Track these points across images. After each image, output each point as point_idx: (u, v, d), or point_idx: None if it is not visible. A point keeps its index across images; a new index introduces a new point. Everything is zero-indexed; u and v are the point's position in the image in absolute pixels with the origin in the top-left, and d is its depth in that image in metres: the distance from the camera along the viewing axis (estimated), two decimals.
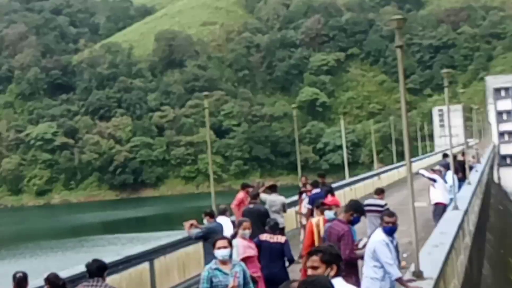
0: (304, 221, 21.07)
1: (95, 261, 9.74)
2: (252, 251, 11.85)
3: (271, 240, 12.63)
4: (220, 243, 9.88)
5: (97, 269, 9.65)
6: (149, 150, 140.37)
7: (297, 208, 21.46)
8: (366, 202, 17.85)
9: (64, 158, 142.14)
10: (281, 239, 12.78)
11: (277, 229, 13.27)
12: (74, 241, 64.48)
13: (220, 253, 9.81)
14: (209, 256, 15.51)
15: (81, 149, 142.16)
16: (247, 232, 12.17)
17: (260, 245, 12.26)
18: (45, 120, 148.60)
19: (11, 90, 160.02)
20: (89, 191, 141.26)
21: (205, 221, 15.96)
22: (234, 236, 12.10)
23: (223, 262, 9.79)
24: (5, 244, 60.42)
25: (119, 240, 59.90)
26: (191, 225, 15.81)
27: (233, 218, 20.23)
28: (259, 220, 15.75)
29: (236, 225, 12.26)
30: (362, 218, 11.52)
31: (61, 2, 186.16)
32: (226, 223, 15.88)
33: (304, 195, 21.44)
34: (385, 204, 17.38)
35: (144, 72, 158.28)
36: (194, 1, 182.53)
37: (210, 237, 15.57)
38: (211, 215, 15.98)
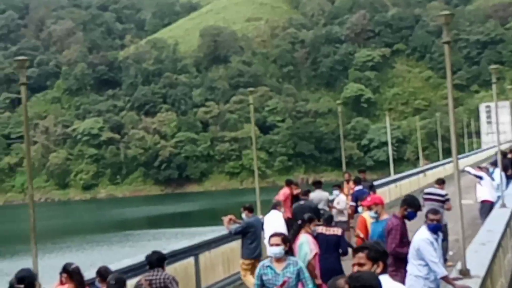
0: (339, 217, 20.93)
1: (155, 252, 10.09)
2: (317, 249, 11.84)
3: (327, 233, 12.73)
4: (273, 240, 9.63)
5: (157, 260, 9.97)
6: (193, 146, 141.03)
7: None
8: (427, 190, 17.78)
9: (110, 153, 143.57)
10: (337, 231, 12.89)
11: (332, 221, 13.32)
12: (119, 235, 65.10)
13: (272, 250, 9.58)
14: (246, 250, 15.66)
15: (127, 144, 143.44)
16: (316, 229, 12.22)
17: (315, 238, 12.30)
18: (91, 115, 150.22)
19: (59, 85, 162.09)
20: (135, 186, 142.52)
21: (243, 215, 16.05)
22: (297, 232, 12.00)
23: (277, 259, 9.54)
24: (51, 238, 61.21)
25: (164, 234, 60.30)
26: (230, 219, 15.92)
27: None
28: None
29: (306, 221, 12.16)
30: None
31: None
32: (278, 218, 15.92)
33: (336, 191, 21.30)
34: (446, 194, 17.23)
35: (189, 68, 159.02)
36: None
37: (248, 232, 15.70)
38: (250, 210, 16.08)
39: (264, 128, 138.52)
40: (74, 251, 54.41)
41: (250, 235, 15.71)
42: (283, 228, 15.18)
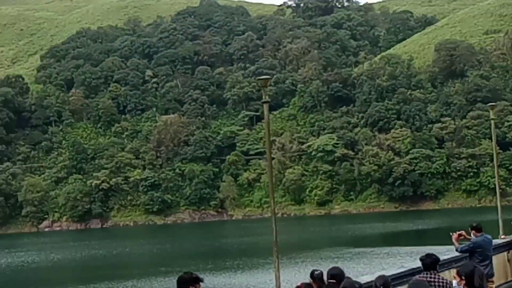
0: None
1: (429, 255, 10.52)
2: None
3: None
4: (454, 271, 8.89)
5: (432, 263, 10.18)
6: (428, 163, 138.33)
7: None
8: None
9: (344, 169, 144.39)
10: None
11: None
12: (354, 251, 65.03)
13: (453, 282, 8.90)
14: None
15: (361, 160, 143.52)
16: None
17: None
18: (325, 132, 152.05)
19: (294, 103, 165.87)
20: (368, 202, 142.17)
21: (471, 235, 15.57)
22: None
23: None
24: (287, 252, 62.34)
25: (398, 252, 59.41)
26: (459, 235, 15.48)
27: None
28: None
29: None
30: None
31: (342, 16, 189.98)
32: None
33: None
34: None
35: (423, 83, 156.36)
36: (477, 10, 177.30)
37: (476, 252, 15.05)
38: (478, 229, 15.60)
39: (504, 144, 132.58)
40: (309, 266, 54.98)
41: (477, 255, 15.25)
42: None
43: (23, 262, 77.04)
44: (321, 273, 11.16)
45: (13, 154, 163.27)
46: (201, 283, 8.84)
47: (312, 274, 11.36)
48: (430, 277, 9.79)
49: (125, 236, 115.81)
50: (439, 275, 9.89)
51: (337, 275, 9.81)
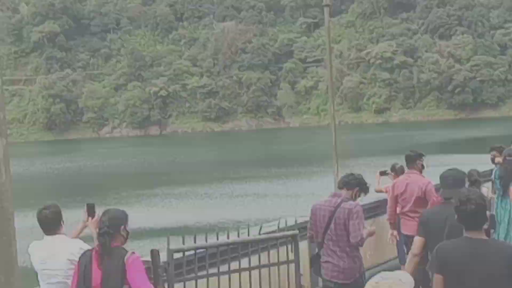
0: None
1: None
2: None
3: None
4: None
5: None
6: (490, 70, 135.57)
7: None
8: None
9: (402, 77, 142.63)
10: None
11: None
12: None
13: None
14: None
15: (420, 68, 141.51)
16: None
17: None
18: (385, 39, 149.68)
19: (353, 9, 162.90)
20: (427, 110, 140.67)
21: None
22: None
23: None
24: (343, 159, 62.04)
25: (454, 160, 58.72)
26: None
27: None
28: None
29: None
30: None
31: None
32: None
33: None
34: None
35: None
36: None
37: None
38: None
39: None
40: (366, 171, 54.76)
41: None
42: None
43: (81, 167, 78.67)
44: (402, 166, 12.56)
45: (73, 61, 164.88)
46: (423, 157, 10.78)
47: (394, 167, 12.88)
48: None
49: (183, 142, 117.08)
50: None
51: None
